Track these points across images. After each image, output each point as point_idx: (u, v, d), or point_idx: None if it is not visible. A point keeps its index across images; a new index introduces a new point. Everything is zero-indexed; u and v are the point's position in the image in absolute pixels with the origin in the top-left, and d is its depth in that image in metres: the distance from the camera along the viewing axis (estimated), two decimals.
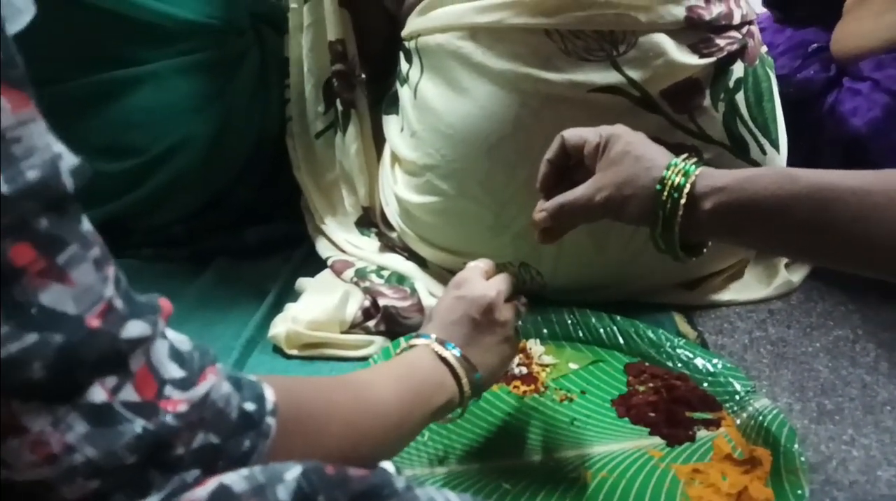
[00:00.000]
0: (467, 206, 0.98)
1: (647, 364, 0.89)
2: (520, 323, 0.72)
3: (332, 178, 1.16)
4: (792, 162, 1.02)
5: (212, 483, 0.36)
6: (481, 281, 0.70)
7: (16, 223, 0.32)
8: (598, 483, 0.71)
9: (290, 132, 1.17)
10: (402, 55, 1.05)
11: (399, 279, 1.04)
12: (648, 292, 1.04)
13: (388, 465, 0.55)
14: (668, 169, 0.64)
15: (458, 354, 0.63)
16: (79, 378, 0.34)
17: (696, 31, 0.92)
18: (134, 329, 0.36)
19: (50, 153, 0.34)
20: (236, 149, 1.17)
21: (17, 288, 0.32)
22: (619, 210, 0.66)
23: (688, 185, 0.62)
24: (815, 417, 0.83)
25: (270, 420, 0.42)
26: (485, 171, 0.95)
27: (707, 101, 0.94)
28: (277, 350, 0.95)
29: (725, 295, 1.06)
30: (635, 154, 0.66)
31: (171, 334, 0.40)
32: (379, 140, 1.12)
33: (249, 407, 0.41)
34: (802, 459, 0.71)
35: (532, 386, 0.84)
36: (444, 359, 0.63)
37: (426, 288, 1.02)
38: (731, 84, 0.95)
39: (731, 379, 0.83)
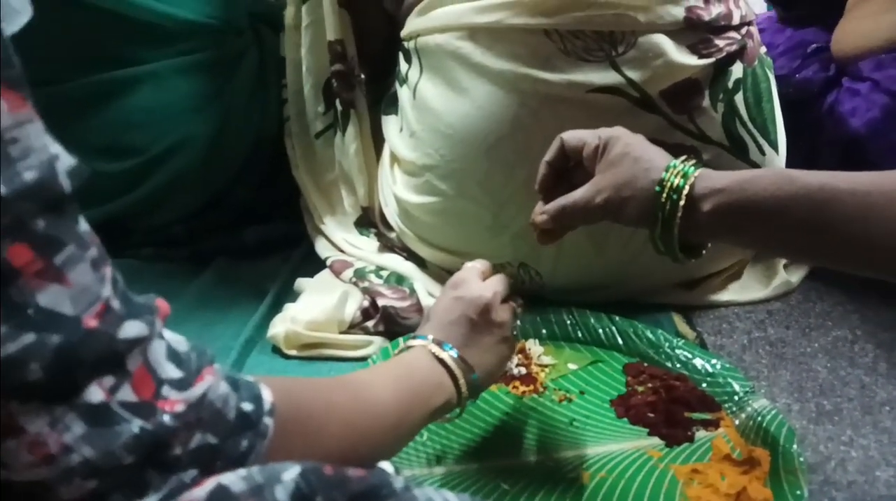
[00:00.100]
0: (466, 206, 0.98)
1: (645, 364, 0.89)
2: (518, 322, 0.72)
3: (332, 178, 1.16)
4: (791, 162, 1.02)
5: (210, 484, 0.36)
6: (478, 282, 0.70)
7: (13, 224, 0.32)
8: (596, 484, 0.71)
9: (288, 132, 1.17)
10: (401, 55, 1.05)
11: (398, 279, 1.04)
12: (647, 292, 1.04)
13: (386, 465, 0.55)
14: (666, 170, 0.64)
15: (455, 355, 0.63)
16: (76, 378, 0.34)
17: (695, 32, 0.92)
18: (131, 329, 0.36)
19: (47, 154, 0.34)
20: (235, 148, 1.17)
21: (14, 289, 0.32)
22: (619, 212, 0.66)
23: (687, 187, 0.62)
24: (814, 417, 0.83)
25: (268, 421, 0.42)
26: (484, 171, 0.95)
27: (706, 102, 0.94)
28: (276, 350, 0.95)
29: (724, 296, 1.06)
30: (634, 156, 0.66)
31: (169, 334, 0.40)
32: (378, 140, 1.13)
33: (247, 407, 0.41)
34: (801, 459, 0.71)
35: (531, 387, 0.84)
36: (441, 360, 0.63)
37: (425, 288, 1.02)
38: (730, 85, 0.95)
39: (729, 380, 0.83)
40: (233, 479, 0.36)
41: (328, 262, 1.10)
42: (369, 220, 1.14)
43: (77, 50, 1.08)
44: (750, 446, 0.74)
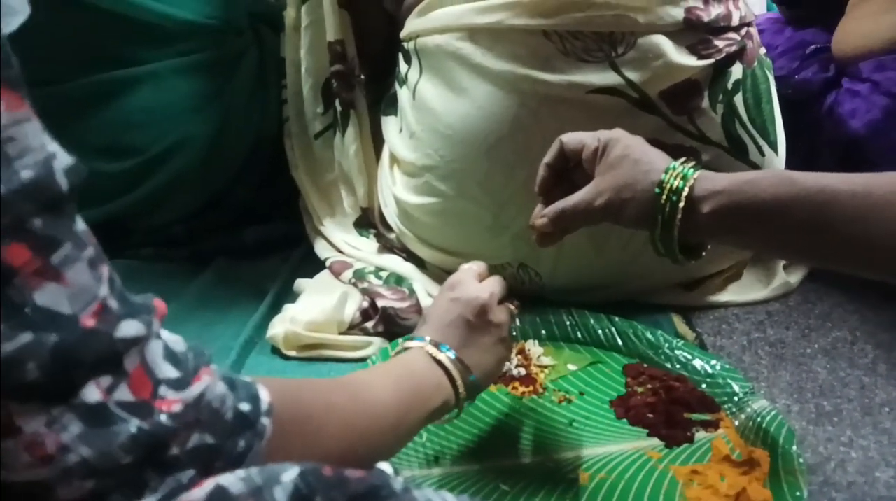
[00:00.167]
0: (466, 207, 0.98)
1: (645, 365, 0.89)
2: (517, 322, 0.72)
3: (331, 179, 1.16)
4: (790, 163, 1.02)
5: (209, 485, 0.36)
6: (475, 283, 0.70)
7: (10, 223, 0.32)
8: (596, 485, 0.71)
9: (287, 132, 1.17)
10: (400, 56, 1.05)
11: (397, 280, 1.04)
12: (647, 293, 1.04)
13: (385, 466, 0.55)
14: (666, 172, 0.64)
15: (452, 356, 0.63)
16: (74, 377, 0.34)
17: (694, 33, 0.92)
18: (128, 328, 0.36)
19: (44, 153, 0.34)
20: (235, 148, 1.17)
21: (11, 288, 0.32)
22: (619, 213, 0.66)
23: (686, 189, 0.62)
24: (814, 418, 0.83)
25: (265, 421, 0.42)
26: (483, 172, 0.95)
27: (706, 103, 0.94)
28: (276, 350, 0.95)
29: (724, 297, 1.06)
30: (634, 157, 0.66)
31: (166, 334, 0.40)
32: (378, 141, 1.13)
33: (244, 407, 0.41)
34: (801, 460, 0.71)
35: (530, 387, 0.84)
36: (438, 362, 0.63)
37: (425, 289, 1.02)
38: (729, 85, 0.95)
39: (729, 381, 0.83)
40: (232, 480, 0.36)
41: (328, 263, 1.10)
42: (369, 221, 1.14)
43: (77, 50, 1.08)
44: (749, 447, 0.74)
